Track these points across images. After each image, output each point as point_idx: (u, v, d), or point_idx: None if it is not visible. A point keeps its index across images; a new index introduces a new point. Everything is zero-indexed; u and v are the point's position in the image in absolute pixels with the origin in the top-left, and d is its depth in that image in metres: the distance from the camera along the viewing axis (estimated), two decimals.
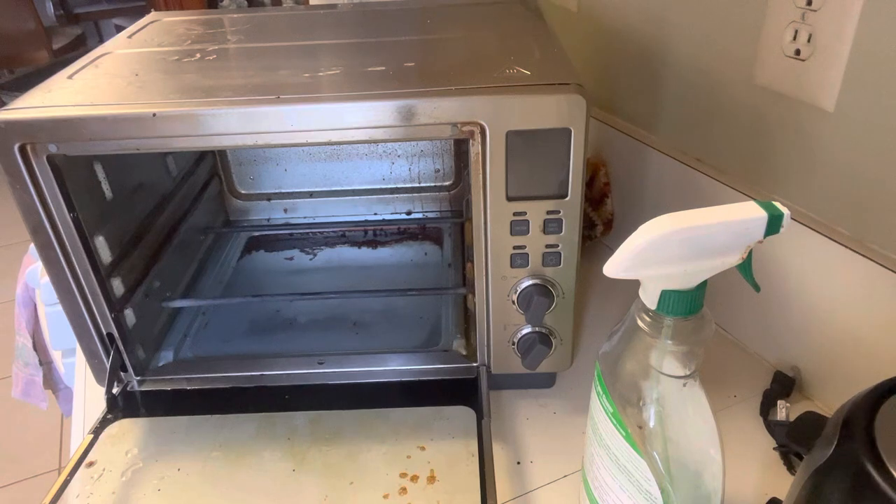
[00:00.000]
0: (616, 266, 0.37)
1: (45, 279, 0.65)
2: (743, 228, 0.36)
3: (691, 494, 0.42)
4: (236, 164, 0.93)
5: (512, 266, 0.58)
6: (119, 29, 3.24)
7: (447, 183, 0.93)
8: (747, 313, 0.70)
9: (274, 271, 0.88)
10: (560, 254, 0.57)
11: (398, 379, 0.65)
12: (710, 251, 0.36)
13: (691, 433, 0.42)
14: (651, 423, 0.41)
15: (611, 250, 0.37)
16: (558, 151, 0.53)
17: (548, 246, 0.57)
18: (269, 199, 0.94)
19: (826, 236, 0.59)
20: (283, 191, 0.94)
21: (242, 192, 0.95)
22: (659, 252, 0.36)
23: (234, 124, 0.52)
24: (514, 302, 0.59)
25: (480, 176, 0.54)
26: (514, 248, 0.57)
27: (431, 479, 0.57)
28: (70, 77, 0.60)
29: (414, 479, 0.57)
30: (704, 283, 0.38)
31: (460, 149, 0.89)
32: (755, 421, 0.63)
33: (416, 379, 0.65)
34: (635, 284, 0.39)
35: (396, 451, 0.60)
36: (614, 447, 0.42)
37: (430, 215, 0.94)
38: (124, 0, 3.50)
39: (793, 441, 0.57)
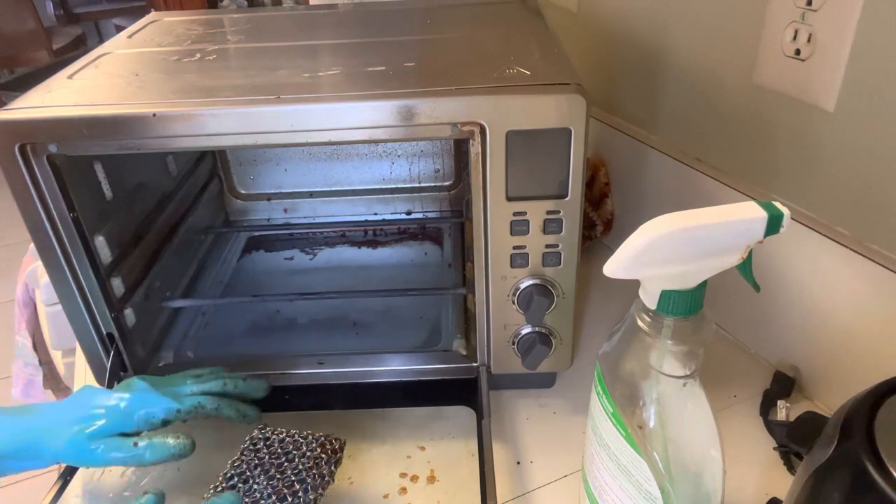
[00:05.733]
0: (616, 266, 0.37)
1: (45, 279, 0.65)
2: (743, 228, 0.36)
3: (691, 494, 0.42)
4: (236, 164, 0.93)
5: (512, 266, 0.58)
6: (119, 29, 3.24)
7: (447, 183, 0.93)
8: (747, 313, 0.70)
9: (274, 271, 0.88)
10: (560, 254, 0.57)
11: (398, 379, 0.65)
12: (710, 251, 0.36)
13: (691, 433, 0.42)
14: (651, 423, 0.41)
15: (611, 250, 0.37)
16: (558, 151, 0.53)
17: (548, 246, 0.57)
18: (269, 199, 0.94)
19: (826, 236, 0.59)
20: (283, 191, 0.94)
21: (242, 192, 0.95)
22: (659, 252, 0.36)
23: (234, 124, 0.52)
24: (514, 302, 0.59)
25: (480, 176, 0.54)
26: (514, 248, 0.57)
27: (431, 479, 0.57)
28: (70, 77, 0.60)
29: (414, 479, 0.57)
30: (704, 283, 0.38)
31: (460, 149, 0.89)
32: (755, 421, 0.63)
33: (416, 379, 0.65)
34: (635, 284, 0.39)
35: (396, 451, 0.60)
36: (614, 447, 0.42)
37: (430, 215, 0.94)
38: (124, 0, 3.51)
39: (793, 441, 0.57)
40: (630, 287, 0.39)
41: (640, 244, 0.36)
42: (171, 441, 0.52)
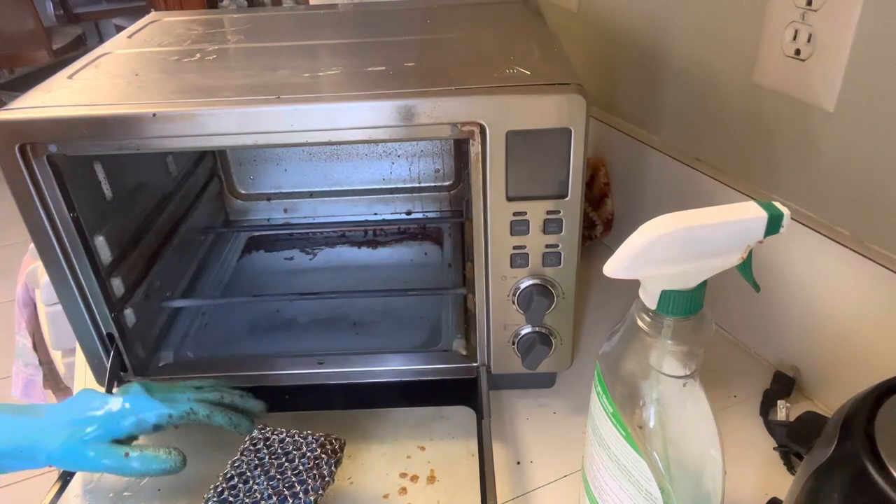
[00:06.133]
0: (616, 266, 0.37)
1: (45, 279, 0.65)
2: (743, 228, 0.36)
3: (691, 494, 0.42)
4: (236, 164, 0.93)
5: (512, 266, 0.58)
6: (119, 29, 3.24)
7: (447, 183, 0.93)
8: (747, 313, 0.70)
9: (274, 271, 0.88)
10: (560, 254, 0.57)
11: (398, 379, 0.65)
12: (710, 251, 0.36)
13: (691, 433, 0.42)
14: (651, 423, 0.41)
15: (611, 250, 0.37)
16: (558, 151, 0.53)
17: (548, 246, 0.57)
18: (269, 199, 0.94)
19: (826, 236, 0.59)
20: (283, 191, 0.94)
21: (242, 192, 0.95)
22: (659, 252, 0.36)
23: (234, 124, 0.52)
24: (514, 302, 0.59)
25: (480, 176, 0.54)
26: (514, 248, 0.57)
27: (431, 479, 0.57)
28: (70, 77, 0.60)
29: (414, 479, 0.57)
30: (704, 283, 0.38)
31: (460, 149, 0.89)
32: (755, 421, 0.63)
33: (416, 379, 0.65)
34: (635, 284, 0.39)
35: (396, 451, 0.60)
36: (614, 447, 0.42)
37: (430, 215, 0.94)
38: (124, 0, 3.51)
39: (793, 441, 0.57)
40: (630, 287, 0.39)
41: (640, 244, 0.36)
42: (162, 454, 0.52)
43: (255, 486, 0.50)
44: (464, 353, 0.66)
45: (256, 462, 0.52)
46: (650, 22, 0.76)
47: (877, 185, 0.56)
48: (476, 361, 0.64)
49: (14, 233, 2.57)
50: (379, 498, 0.56)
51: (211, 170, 0.91)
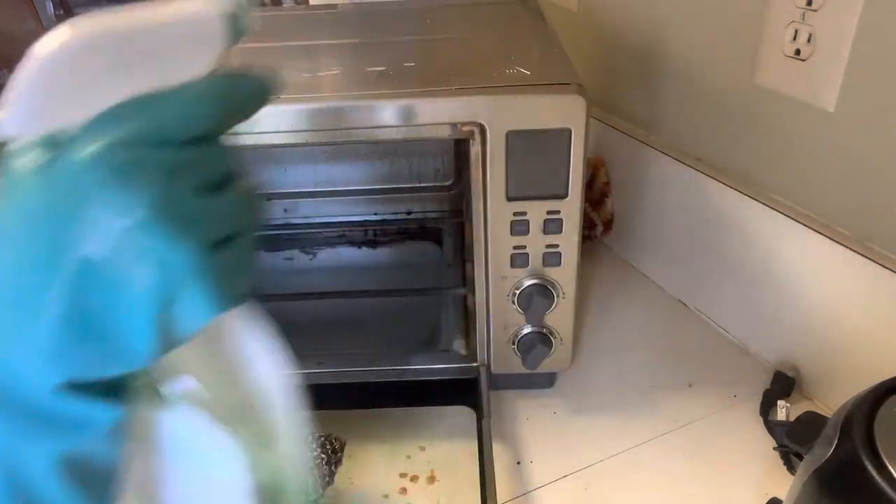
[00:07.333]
0: (14, 114, 0.24)
1: None
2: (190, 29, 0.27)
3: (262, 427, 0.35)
4: None
5: (512, 266, 0.58)
6: None
7: (447, 183, 0.93)
8: (748, 313, 0.70)
9: (274, 271, 0.88)
10: (560, 254, 0.57)
11: (398, 379, 0.65)
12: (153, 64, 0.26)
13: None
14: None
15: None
16: (558, 151, 0.53)
17: (548, 246, 0.57)
18: (268, 199, 0.94)
19: (826, 236, 0.59)
20: (283, 191, 0.94)
21: None
22: (86, 77, 0.25)
23: None
24: (514, 302, 0.59)
25: (480, 176, 0.54)
26: (514, 248, 0.57)
27: (431, 479, 0.57)
28: None
29: (414, 479, 0.57)
30: None
31: (460, 149, 0.89)
32: (755, 421, 0.63)
33: (416, 379, 0.65)
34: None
35: (396, 451, 0.60)
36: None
37: (430, 215, 0.94)
38: (124, 0, 3.51)
39: (793, 441, 0.57)
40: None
41: (39, 68, 0.23)
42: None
43: None
44: (464, 353, 0.66)
45: None
46: (650, 22, 0.76)
47: (877, 185, 0.56)
48: (476, 361, 0.64)
49: None
50: (379, 498, 0.56)
51: None
